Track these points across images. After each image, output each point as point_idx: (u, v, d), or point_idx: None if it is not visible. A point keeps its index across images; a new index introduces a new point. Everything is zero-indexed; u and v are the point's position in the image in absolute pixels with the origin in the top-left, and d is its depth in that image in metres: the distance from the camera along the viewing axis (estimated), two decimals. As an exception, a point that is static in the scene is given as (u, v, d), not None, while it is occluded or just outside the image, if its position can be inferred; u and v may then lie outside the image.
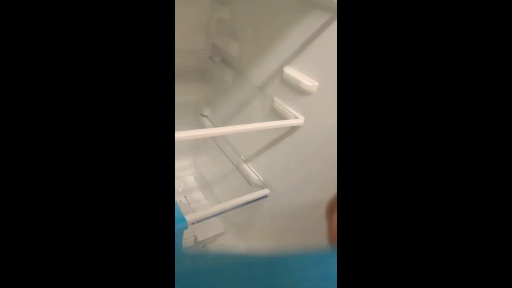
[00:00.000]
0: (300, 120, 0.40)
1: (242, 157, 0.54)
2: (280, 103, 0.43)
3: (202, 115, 0.64)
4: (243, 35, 0.50)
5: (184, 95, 0.61)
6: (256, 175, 0.51)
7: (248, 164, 0.53)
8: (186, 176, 0.70)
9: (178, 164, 0.71)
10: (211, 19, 0.55)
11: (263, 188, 0.49)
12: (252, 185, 0.52)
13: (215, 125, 0.62)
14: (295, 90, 0.40)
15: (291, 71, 0.40)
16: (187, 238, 0.45)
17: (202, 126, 0.65)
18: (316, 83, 0.37)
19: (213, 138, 0.63)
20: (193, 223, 0.44)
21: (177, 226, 0.36)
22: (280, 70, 0.42)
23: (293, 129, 0.42)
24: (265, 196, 0.49)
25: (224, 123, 0.59)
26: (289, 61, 0.41)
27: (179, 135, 0.28)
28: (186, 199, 0.63)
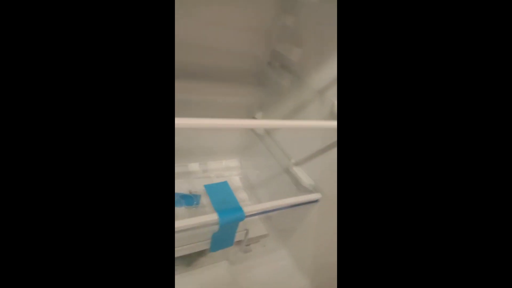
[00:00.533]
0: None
1: (293, 161, 0.55)
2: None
3: (253, 117, 0.66)
4: (307, 42, 0.51)
5: (237, 97, 0.64)
6: (308, 179, 0.51)
7: (299, 167, 0.53)
8: (232, 176, 0.71)
9: (225, 163, 0.74)
10: (273, 26, 0.58)
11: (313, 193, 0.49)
12: (301, 190, 0.52)
13: (265, 128, 0.64)
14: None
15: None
16: (240, 231, 0.46)
17: (252, 129, 0.67)
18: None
19: (262, 140, 0.64)
20: (247, 216, 0.45)
21: (235, 215, 0.37)
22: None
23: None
24: (316, 201, 0.48)
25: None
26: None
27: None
28: (232, 198, 0.64)
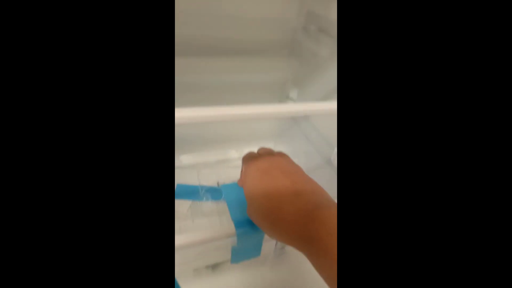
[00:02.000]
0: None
1: (336, 150, 0.44)
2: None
3: (288, 97, 0.56)
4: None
5: (265, 74, 0.54)
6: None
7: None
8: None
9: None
10: (308, -22, 0.46)
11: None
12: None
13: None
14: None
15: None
16: (268, 240, 0.38)
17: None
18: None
19: (298, 125, 0.54)
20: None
21: (258, 229, 0.29)
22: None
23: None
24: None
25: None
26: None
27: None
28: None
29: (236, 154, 0.64)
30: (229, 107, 0.22)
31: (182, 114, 0.21)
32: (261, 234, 0.30)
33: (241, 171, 0.33)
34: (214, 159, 0.62)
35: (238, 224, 0.28)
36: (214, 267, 0.44)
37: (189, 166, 0.59)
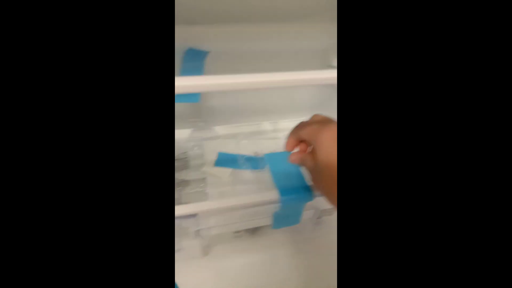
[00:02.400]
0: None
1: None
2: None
3: (331, 66, 0.53)
4: None
5: (307, 41, 0.51)
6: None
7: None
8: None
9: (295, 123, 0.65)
10: None
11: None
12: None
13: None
14: None
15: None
16: (308, 210, 0.39)
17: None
18: None
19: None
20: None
21: (301, 196, 0.30)
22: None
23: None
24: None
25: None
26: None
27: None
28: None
29: (270, 127, 0.64)
30: (259, 74, 0.22)
31: (210, 81, 0.21)
32: (302, 203, 0.31)
33: (289, 141, 0.31)
34: (250, 130, 0.63)
35: (282, 192, 0.29)
36: (253, 231, 0.47)
37: (230, 136, 0.61)
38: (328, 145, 0.25)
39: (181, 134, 0.59)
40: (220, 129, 0.62)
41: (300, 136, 0.29)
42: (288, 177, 0.32)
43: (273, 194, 0.30)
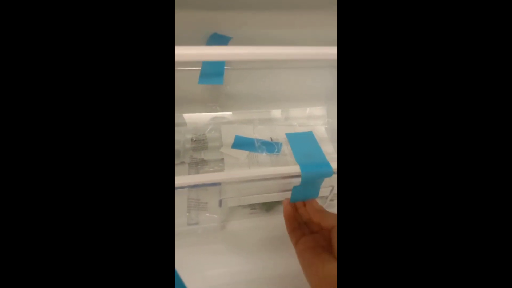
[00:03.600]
0: None
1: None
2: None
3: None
4: None
5: (323, 29, 0.53)
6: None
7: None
8: (317, 126, 0.65)
9: (309, 111, 0.67)
10: None
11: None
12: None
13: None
14: None
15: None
16: (325, 187, 0.42)
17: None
18: None
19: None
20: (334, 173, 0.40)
21: (321, 171, 0.32)
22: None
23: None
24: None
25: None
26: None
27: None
28: (315, 149, 0.59)
29: (282, 114, 0.67)
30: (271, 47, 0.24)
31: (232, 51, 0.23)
32: (322, 177, 0.33)
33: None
34: (264, 117, 0.66)
35: (303, 167, 0.32)
36: (268, 208, 0.49)
37: (246, 121, 0.64)
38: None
39: (200, 117, 0.62)
40: (236, 115, 0.65)
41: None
42: (308, 155, 0.34)
43: (295, 168, 0.32)
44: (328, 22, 0.51)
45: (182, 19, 0.44)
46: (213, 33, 0.48)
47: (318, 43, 0.54)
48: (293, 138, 0.37)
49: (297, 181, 0.33)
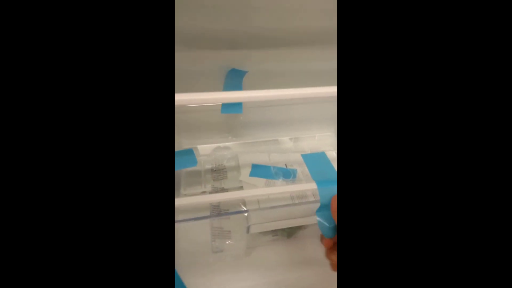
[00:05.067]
0: None
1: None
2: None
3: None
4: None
5: (319, 62, 0.58)
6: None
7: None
8: (328, 151, 0.68)
9: (318, 137, 0.71)
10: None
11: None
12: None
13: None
14: None
15: None
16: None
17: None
18: None
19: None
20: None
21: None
22: None
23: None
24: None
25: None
26: None
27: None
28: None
29: (292, 142, 0.70)
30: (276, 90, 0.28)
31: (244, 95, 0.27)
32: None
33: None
34: (276, 145, 0.69)
35: (319, 183, 0.34)
36: (289, 234, 0.51)
37: (259, 150, 0.67)
38: None
39: (216, 148, 0.65)
40: (250, 145, 0.68)
41: None
42: (322, 172, 0.37)
43: (312, 185, 0.35)
44: (326, 55, 0.57)
45: (205, 57, 0.49)
46: (231, 69, 0.53)
47: (320, 73, 0.59)
48: (308, 158, 0.40)
49: (316, 205, 0.35)
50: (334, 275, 0.39)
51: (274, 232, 0.50)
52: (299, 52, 0.55)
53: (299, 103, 0.66)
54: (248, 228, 0.41)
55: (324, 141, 0.70)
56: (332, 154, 0.68)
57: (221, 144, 0.67)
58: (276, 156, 0.65)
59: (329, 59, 0.57)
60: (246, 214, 0.41)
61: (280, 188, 0.35)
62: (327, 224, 0.35)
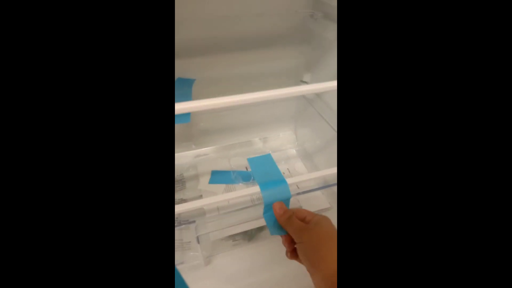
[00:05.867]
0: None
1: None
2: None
3: (302, 81, 0.60)
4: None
5: (281, 60, 0.58)
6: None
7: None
8: (288, 149, 0.68)
9: (282, 136, 0.71)
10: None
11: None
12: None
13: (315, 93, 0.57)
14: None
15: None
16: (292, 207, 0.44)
17: (302, 95, 0.61)
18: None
19: (312, 105, 0.58)
20: (298, 194, 0.42)
21: (278, 187, 0.35)
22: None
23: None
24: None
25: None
26: None
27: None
28: (289, 171, 0.62)
29: (260, 142, 0.70)
30: (240, 95, 0.28)
31: (202, 103, 0.27)
32: (286, 203, 0.36)
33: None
34: (240, 148, 0.69)
35: (262, 186, 0.34)
36: (250, 238, 0.51)
37: (222, 155, 0.66)
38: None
39: (176, 158, 0.64)
40: (211, 150, 0.67)
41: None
42: (266, 174, 0.37)
43: (256, 189, 0.35)
44: (279, 56, 0.57)
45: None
46: (177, 78, 0.52)
47: (272, 74, 0.59)
48: (253, 162, 0.40)
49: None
50: (300, 274, 0.39)
51: (234, 237, 0.49)
52: (248, 56, 0.55)
53: (261, 105, 0.67)
54: (197, 238, 0.41)
55: (287, 138, 0.71)
56: (292, 151, 0.68)
57: (183, 153, 0.65)
58: (237, 159, 0.64)
59: (280, 60, 0.58)
60: (195, 224, 0.40)
61: (235, 193, 0.35)
62: (271, 224, 0.35)
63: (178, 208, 0.32)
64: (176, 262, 0.46)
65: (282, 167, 0.63)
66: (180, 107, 0.26)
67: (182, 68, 0.52)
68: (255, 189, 0.36)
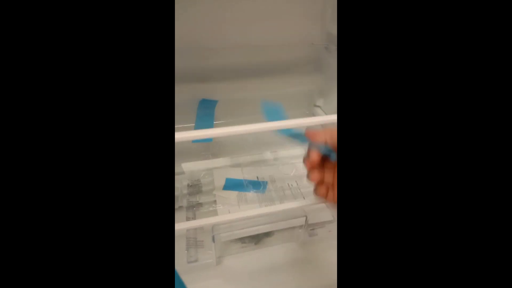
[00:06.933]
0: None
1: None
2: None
3: (315, 105, 0.66)
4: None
5: (297, 87, 0.65)
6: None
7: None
8: (297, 163, 0.73)
9: (291, 152, 0.76)
10: (326, 7, 0.56)
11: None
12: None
13: (327, 114, 0.63)
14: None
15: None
16: (298, 217, 0.49)
17: (314, 115, 0.67)
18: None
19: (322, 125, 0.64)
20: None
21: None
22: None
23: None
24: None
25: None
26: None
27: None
28: (297, 184, 0.67)
29: (271, 156, 0.76)
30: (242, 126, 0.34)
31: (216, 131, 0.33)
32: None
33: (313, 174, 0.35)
34: (252, 160, 0.74)
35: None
36: (257, 242, 0.56)
37: (236, 165, 0.72)
38: None
39: (195, 165, 0.70)
40: (227, 160, 0.74)
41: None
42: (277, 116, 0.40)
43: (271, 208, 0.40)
44: (294, 82, 0.63)
45: (180, 89, 0.56)
46: (202, 99, 0.59)
47: (287, 97, 0.66)
48: (266, 106, 0.41)
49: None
50: (300, 279, 0.43)
51: (243, 240, 0.54)
52: (267, 81, 0.62)
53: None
54: (213, 238, 0.46)
55: (297, 153, 0.76)
56: (300, 165, 0.73)
57: (202, 162, 0.72)
58: (250, 170, 0.70)
59: (295, 85, 0.64)
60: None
61: (250, 212, 0.41)
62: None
63: (190, 224, 0.38)
64: (190, 259, 0.52)
65: (291, 181, 0.68)
66: (200, 134, 0.32)
67: (207, 90, 0.59)
68: (268, 209, 0.41)
